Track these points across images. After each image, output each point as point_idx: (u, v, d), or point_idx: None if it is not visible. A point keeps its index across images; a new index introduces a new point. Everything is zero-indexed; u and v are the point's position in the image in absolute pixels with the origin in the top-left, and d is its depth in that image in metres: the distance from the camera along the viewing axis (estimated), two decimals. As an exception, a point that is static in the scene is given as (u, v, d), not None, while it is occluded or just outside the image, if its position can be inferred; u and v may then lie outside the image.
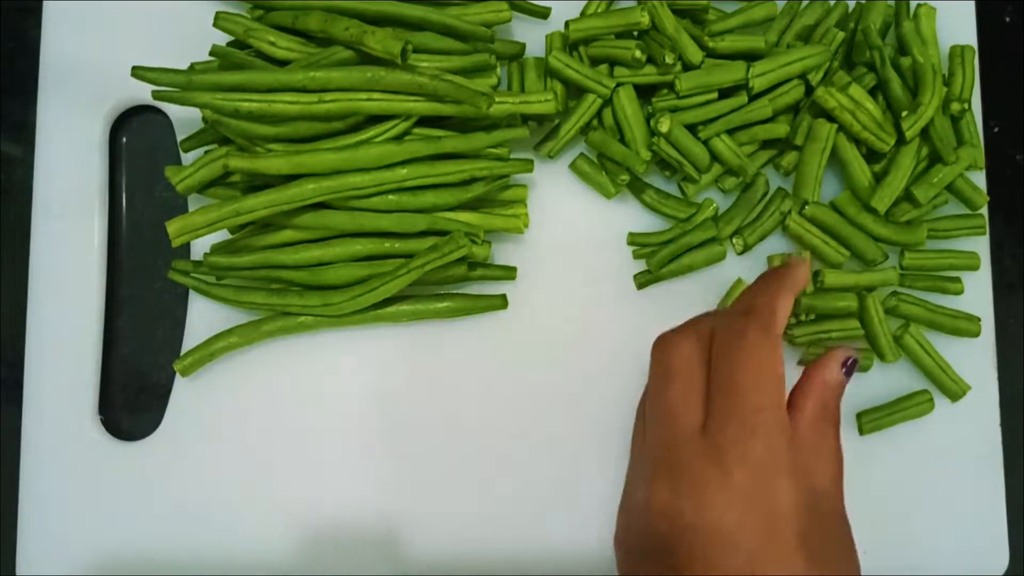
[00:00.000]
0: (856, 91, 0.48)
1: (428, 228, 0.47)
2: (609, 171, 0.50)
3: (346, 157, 0.44)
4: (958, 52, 0.51)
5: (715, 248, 0.49)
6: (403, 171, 0.45)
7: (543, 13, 0.51)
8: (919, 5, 0.51)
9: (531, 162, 0.48)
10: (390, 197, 0.46)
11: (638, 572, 0.38)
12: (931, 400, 0.50)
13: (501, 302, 0.49)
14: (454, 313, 0.49)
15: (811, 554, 0.35)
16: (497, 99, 0.46)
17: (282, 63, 0.46)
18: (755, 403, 0.36)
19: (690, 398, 0.38)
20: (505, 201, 0.49)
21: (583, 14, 0.50)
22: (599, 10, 0.50)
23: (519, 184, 0.50)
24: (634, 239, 0.50)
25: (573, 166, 0.50)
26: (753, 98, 0.49)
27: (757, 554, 0.34)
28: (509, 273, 0.49)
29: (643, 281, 0.50)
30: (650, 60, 0.49)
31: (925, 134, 0.49)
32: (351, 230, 0.47)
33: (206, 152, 0.47)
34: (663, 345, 0.40)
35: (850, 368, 0.42)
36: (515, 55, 0.50)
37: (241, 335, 0.48)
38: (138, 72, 0.44)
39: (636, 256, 0.50)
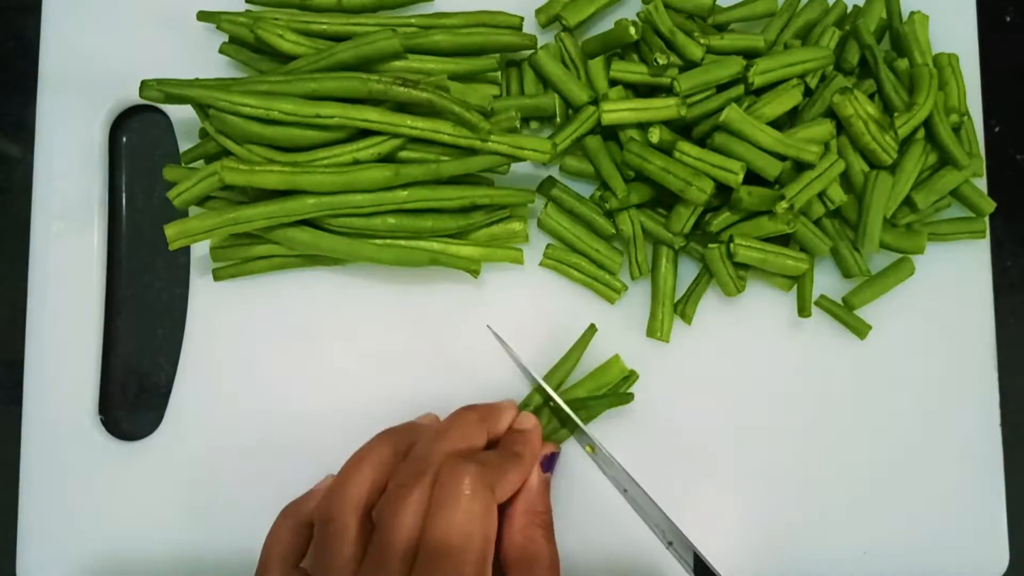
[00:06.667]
0: (858, 95, 0.47)
1: (430, 263, 0.47)
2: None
3: (342, 180, 0.44)
4: (946, 61, 0.50)
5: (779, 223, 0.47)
6: (403, 193, 0.45)
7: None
8: (912, 13, 0.51)
9: (532, 193, 0.48)
10: (390, 219, 0.46)
11: None
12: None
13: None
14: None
15: None
16: (493, 139, 0.45)
17: (289, 58, 0.46)
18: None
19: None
20: (505, 233, 0.49)
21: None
22: None
23: (518, 218, 0.49)
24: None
25: (563, 167, 0.50)
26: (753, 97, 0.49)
27: None
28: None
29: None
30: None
31: (932, 140, 0.49)
32: (348, 258, 0.47)
33: (204, 163, 0.46)
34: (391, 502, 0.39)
35: (550, 462, 0.44)
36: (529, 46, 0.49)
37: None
38: (147, 92, 0.44)
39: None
